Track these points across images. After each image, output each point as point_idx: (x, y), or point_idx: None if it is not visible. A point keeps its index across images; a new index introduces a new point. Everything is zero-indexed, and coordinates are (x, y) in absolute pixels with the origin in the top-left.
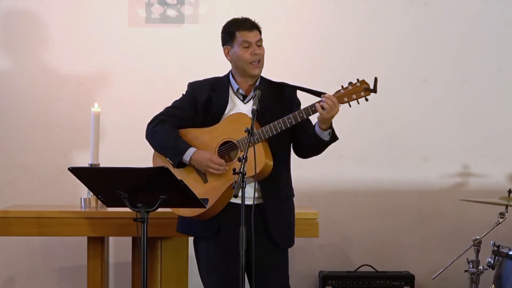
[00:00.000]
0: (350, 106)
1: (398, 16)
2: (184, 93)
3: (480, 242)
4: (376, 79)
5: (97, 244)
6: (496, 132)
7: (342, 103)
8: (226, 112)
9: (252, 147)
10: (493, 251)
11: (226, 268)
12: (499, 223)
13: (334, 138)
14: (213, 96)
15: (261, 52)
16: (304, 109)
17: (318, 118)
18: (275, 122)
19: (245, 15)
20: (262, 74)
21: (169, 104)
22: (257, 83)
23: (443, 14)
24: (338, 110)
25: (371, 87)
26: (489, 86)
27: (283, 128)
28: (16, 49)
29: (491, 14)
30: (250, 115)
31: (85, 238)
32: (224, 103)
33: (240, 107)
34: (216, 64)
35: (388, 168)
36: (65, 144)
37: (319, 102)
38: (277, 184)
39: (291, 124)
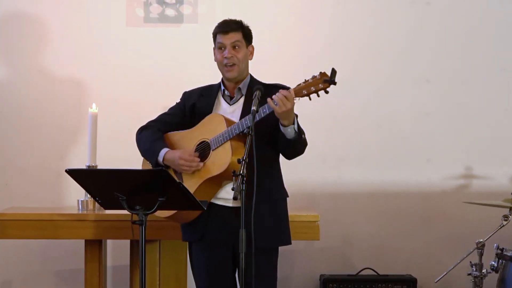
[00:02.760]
0: (310, 99)
1: (400, 16)
2: (178, 100)
3: (483, 245)
4: (333, 69)
5: (94, 247)
6: (500, 133)
7: (302, 96)
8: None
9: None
10: (496, 254)
11: (214, 271)
12: (503, 225)
13: (300, 135)
14: (200, 101)
15: (235, 55)
16: (267, 104)
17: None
18: (242, 119)
19: (244, 15)
20: (255, 75)
21: (168, 105)
22: (245, 84)
23: (445, 14)
24: (291, 104)
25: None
26: (492, 86)
27: (249, 123)
28: (13, 49)
29: (494, 13)
30: (232, 116)
31: (83, 241)
32: (209, 106)
33: (226, 109)
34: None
35: (390, 170)
36: (62, 145)
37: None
38: (261, 185)
39: (255, 119)
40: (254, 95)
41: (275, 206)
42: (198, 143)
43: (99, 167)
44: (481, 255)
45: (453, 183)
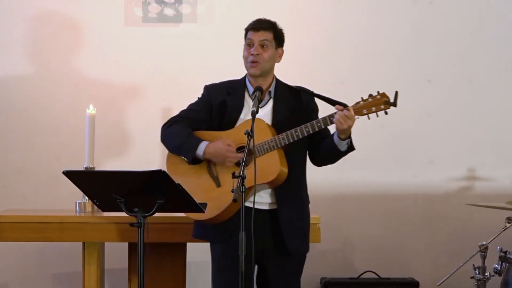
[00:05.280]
0: (369, 118)
1: (402, 15)
2: (200, 96)
3: (486, 248)
4: (396, 93)
5: (92, 250)
6: (503, 134)
7: (361, 115)
8: (241, 116)
9: (264, 154)
10: (500, 257)
11: (233, 273)
12: (506, 228)
13: (350, 148)
14: (228, 99)
15: (262, 54)
16: (322, 118)
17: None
18: (292, 130)
19: (244, 15)
20: (280, 78)
21: (167, 106)
22: (273, 87)
23: (448, 13)
24: (352, 122)
25: (391, 100)
26: (495, 87)
27: (300, 136)
28: (9, 49)
29: (496, 13)
30: (265, 119)
31: (80, 243)
32: (239, 107)
33: None
34: (214, 64)
35: (392, 171)
36: (59, 146)
37: (335, 113)
38: (292, 190)
39: (308, 133)
40: (254, 96)
41: (304, 211)
42: (236, 147)
43: (96, 169)
44: (484, 258)
45: (456, 185)
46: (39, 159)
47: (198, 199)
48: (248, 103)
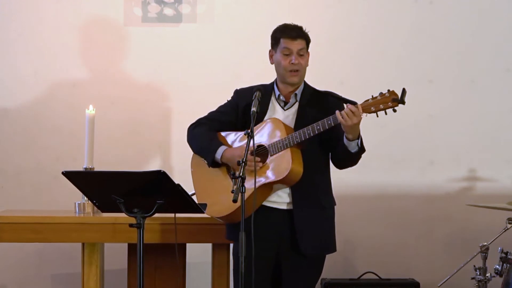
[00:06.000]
0: (377, 116)
1: (402, 15)
2: (229, 99)
3: (487, 249)
4: (403, 90)
5: (92, 251)
6: (504, 135)
7: (369, 112)
8: (265, 117)
9: (281, 151)
10: (500, 258)
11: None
12: (507, 229)
13: (362, 150)
14: None
15: (301, 62)
16: (332, 116)
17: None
18: (304, 128)
19: (244, 15)
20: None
21: (166, 106)
22: (300, 90)
23: (449, 13)
24: (358, 119)
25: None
26: (496, 87)
27: (311, 134)
28: (8, 50)
29: (498, 13)
30: (289, 121)
31: (79, 244)
32: (263, 109)
33: (280, 114)
34: (214, 64)
35: (393, 172)
36: (59, 147)
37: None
38: (308, 191)
39: (319, 130)
40: (254, 96)
41: (322, 214)
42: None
43: (96, 169)
44: (485, 258)
45: (456, 186)
46: (39, 159)
47: (218, 197)
48: (274, 106)
